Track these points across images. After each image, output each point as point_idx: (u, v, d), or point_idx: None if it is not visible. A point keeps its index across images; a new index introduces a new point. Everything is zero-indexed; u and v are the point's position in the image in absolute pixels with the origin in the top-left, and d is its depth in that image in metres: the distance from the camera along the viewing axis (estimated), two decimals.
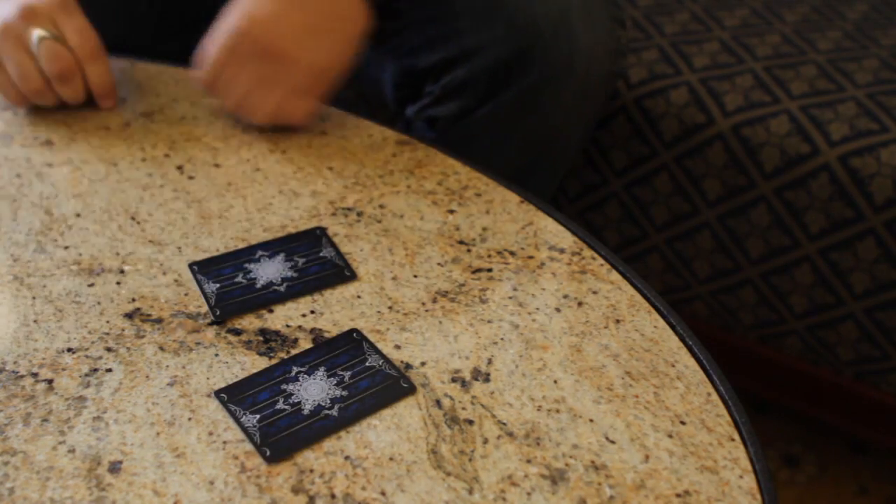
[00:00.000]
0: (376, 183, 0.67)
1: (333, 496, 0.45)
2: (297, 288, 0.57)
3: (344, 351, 0.53)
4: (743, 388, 1.14)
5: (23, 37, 0.70)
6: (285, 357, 0.53)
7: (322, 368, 0.52)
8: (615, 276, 0.60)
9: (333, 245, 0.60)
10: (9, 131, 0.71)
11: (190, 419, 0.49)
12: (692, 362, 0.54)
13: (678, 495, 0.46)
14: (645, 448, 0.48)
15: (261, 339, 0.54)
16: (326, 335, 0.54)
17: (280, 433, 0.48)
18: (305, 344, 0.54)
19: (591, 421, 0.50)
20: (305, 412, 0.50)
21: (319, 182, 0.67)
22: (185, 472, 0.46)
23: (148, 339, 0.54)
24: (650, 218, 1.08)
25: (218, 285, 0.57)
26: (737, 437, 0.49)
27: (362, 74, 0.92)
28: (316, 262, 0.59)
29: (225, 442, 0.48)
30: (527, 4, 0.79)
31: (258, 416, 0.49)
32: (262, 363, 0.52)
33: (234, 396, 0.50)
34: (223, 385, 0.51)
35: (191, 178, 0.67)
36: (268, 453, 0.47)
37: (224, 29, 0.70)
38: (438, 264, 0.60)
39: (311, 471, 0.46)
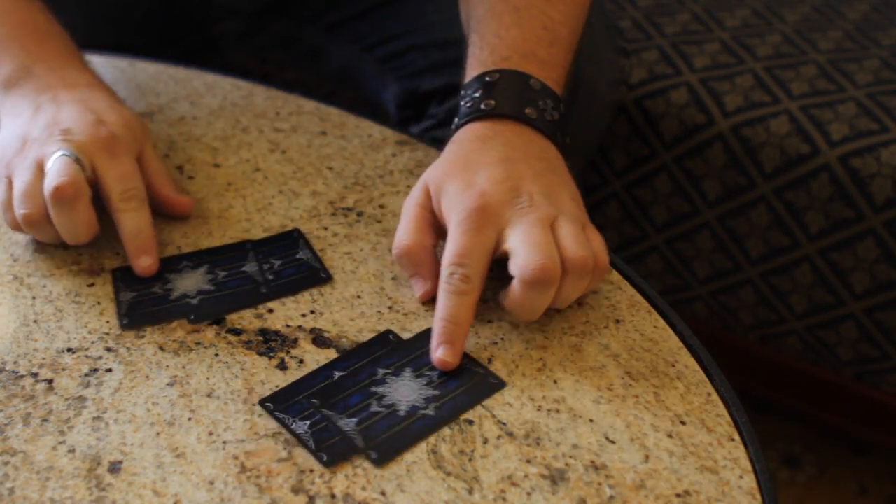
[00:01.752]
0: (376, 183, 0.67)
1: (333, 496, 0.45)
2: (211, 303, 0.56)
3: (384, 354, 0.53)
4: (743, 388, 1.14)
5: (41, 156, 0.58)
6: (325, 362, 0.52)
7: (366, 372, 0.52)
8: (615, 276, 0.60)
9: (258, 260, 0.59)
10: None
11: (190, 419, 0.49)
12: (692, 362, 0.54)
13: (678, 495, 0.46)
14: (645, 448, 0.48)
15: (261, 339, 0.54)
16: (326, 335, 0.54)
17: (333, 437, 0.48)
18: (306, 344, 0.54)
19: (591, 421, 0.50)
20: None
21: (319, 182, 0.67)
22: (185, 472, 0.46)
23: (148, 339, 0.54)
24: (650, 218, 1.08)
25: (134, 294, 0.56)
26: (737, 437, 0.49)
27: (364, 89, 0.92)
28: (237, 276, 0.57)
29: (225, 442, 0.48)
30: None
31: (308, 423, 0.49)
32: (262, 363, 0.52)
33: (280, 404, 0.50)
34: (221, 384, 0.51)
35: (191, 178, 0.67)
36: (325, 458, 0.47)
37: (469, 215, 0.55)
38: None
39: (312, 471, 0.46)
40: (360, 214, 0.64)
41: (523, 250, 0.52)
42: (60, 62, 0.65)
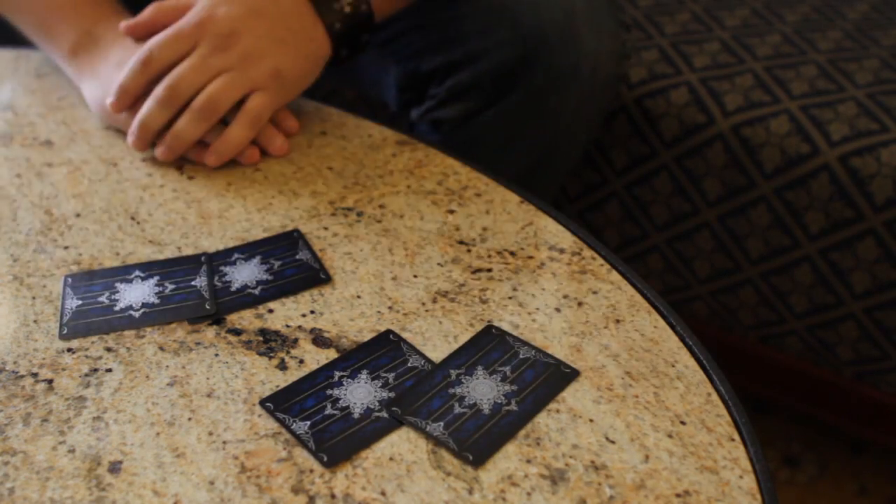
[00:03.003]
0: (376, 183, 0.67)
1: (333, 496, 0.45)
2: (153, 316, 0.55)
3: (384, 353, 0.53)
4: (743, 388, 1.14)
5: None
6: (325, 362, 0.52)
7: (365, 371, 0.52)
8: (615, 276, 0.60)
9: (214, 273, 0.58)
10: (9, 131, 0.71)
11: (190, 419, 0.49)
12: (692, 362, 0.54)
13: (678, 495, 0.46)
14: (645, 448, 0.48)
15: (261, 338, 0.54)
16: (326, 335, 0.54)
17: (334, 438, 0.48)
18: (305, 344, 0.54)
19: (591, 421, 0.50)
20: (356, 416, 0.49)
21: (319, 182, 0.67)
22: (185, 472, 0.46)
23: (148, 339, 0.54)
24: (650, 218, 1.08)
25: (80, 302, 0.56)
26: (737, 437, 0.49)
27: (364, 76, 0.92)
28: (184, 290, 0.57)
29: (225, 442, 0.48)
30: (532, 9, 0.79)
31: (309, 423, 0.49)
32: (262, 363, 0.52)
33: (280, 404, 0.50)
34: (221, 384, 0.51)
35: (191, 178, 0.67)
36: (325, 459, 0.47)
37: (179, 23, 0.66)
38: (438, 264, 0.60)
39: (312, 470, 0.46)
40: (360, 214, 0.64)
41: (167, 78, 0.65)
42: (116, 20, 0.71)
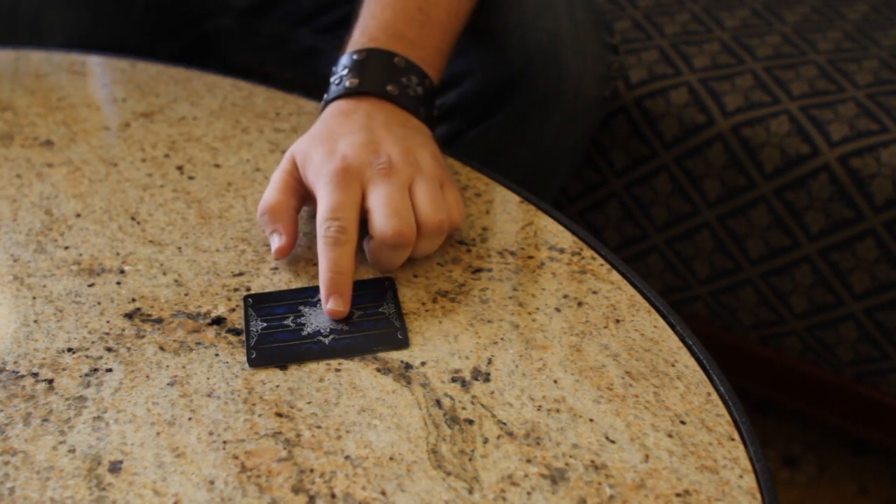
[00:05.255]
0: None
1: (333, 496, 0.45)
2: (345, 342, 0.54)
3: (368, 293, 0.56)
4: (743, 388, 1.14)
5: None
6: (315, 285, 0.56)
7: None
8: (615, 276, 0.60)
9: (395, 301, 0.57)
10: (9, 131, 0.71)
11: (190, 419, 0.49)
12: (692, 362, 0.54)
13: (678, 495, 0.46)
14: (645, 448, 0.48)
15: None
16: None
17: (273, 344, 0.52)
18: None
19: (591, 421, 0.50)
20: (303, 333, 0.53)
21: None
22: (186, 472, 0.46)
23: (148, 339, 0.54)
24: (650, 218, 1.08)
25: (265, 325, 0.54)
26: (737, 436, 0.49)
27: None
28: (373, 317, 0.55)
29: (225, 442, 0.48)
30: (517, 31, 0.80)
31: (265, 325, 0.53)
32: None
33: (258, 303, 0.54)
34: (221, 384, 0.51)
35: (191, 178, 0.67)
36: (253, 356, 0.52)
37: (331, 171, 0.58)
38: (438, 264, 0.60)
39: (312, 470, 0.46)
40: None
41: (381, 213, 0.56)
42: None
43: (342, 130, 0.61)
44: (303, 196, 0.60)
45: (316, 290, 0.57)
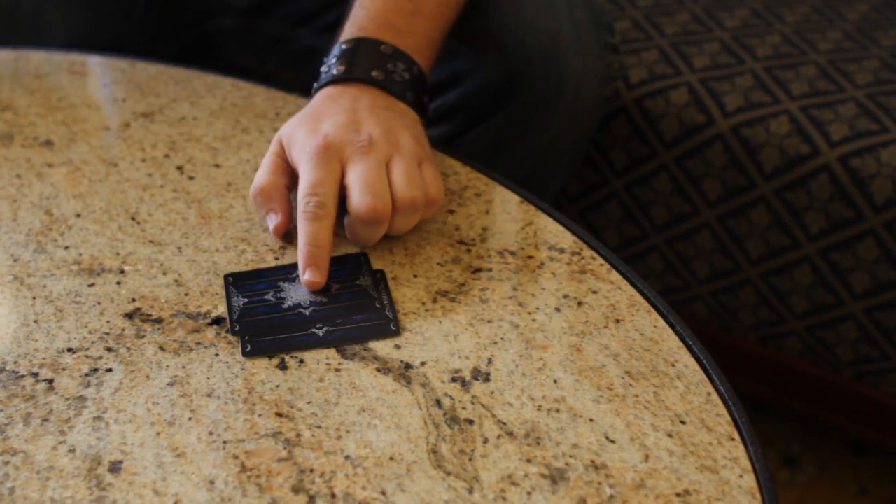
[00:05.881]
0: None
1: (333, 496, 0.45)
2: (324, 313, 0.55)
3: (346, 268, 0.58)
4: (743, 388, 1.14)
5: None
6: (292, 262, 0.58)
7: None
8: (615, 276, 0.60)
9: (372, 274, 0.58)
10: (9, 131, 0.71)
11: (190, 419, 0.49)
12: (692, 362, 0.54)
13: (678, 495, 0.46)
14: (645, 447, 0.48)
15: None
16: None
17: (254, 317, 0.54)
18: None
19: (591, 420, 0.50)
20: (283, 307, 0.55)
21: None
22: (186, 472, 0.46)
23: (148, 339, 0.54)
24: (650, 218, 1.08)
25: (246, 300, 0.56)
26: (737, 436, 0.49)
27: None
28: (351, 289, 0.57)
29: (225, 442, 0.48)
30: (517, 31, 0.80)
31: (246, 300, 0.55)
32: (262, 363, 0.52)
33: (239, 281, 0.57)
34: (221, 384, 0.51)
35: (191, 178, 0.67)
36: (237, 328, 0.54)
37: (310, 146, 0.60)
38: (438, 264, 0.60)
39: (312, 470, 0.46)
40: None
41: (358, 190, 0.58)
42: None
43: (327, 112, 0.62)
44: (292, 175, 0.62)
45: (294, 266, 0.58)
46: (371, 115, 0.62)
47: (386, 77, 0.65)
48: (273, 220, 0.60)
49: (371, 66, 0.65)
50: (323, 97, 0.65)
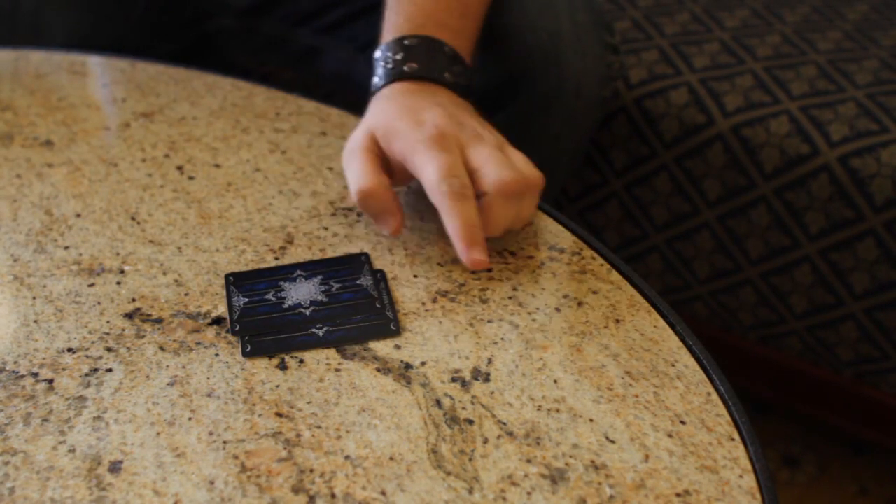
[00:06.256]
0: None
1: (333, 496, 0.45)
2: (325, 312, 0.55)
3: (347, 267, 0.58)
4: (743, 388, 1.14)
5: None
6: (293, 262, 0.58)
7: (320, 276, 0.57)
8: (615, 276, 0.60)
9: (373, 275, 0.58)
10: (9, 131, 0.71)
11: (190, 419, 0.49)
12: (692, 362, 0.54)
13: (678, 495, 0.46)
14: (645, 448, 0.48)
15: None
16: None
17: (255, 317, 0.54)
18: None
19: (591, 421, 0.50)
20: (284, 306, 0.55)
21: (319, 182, 0.67)
22: (186, 472, 0.46)
23: (148, 339, 0.54)
24: (650, 218, 1.08)
25: (247, 300, 0.56)
26: (737, 436, 0.49)
27: (359, 89, 0.93)
28: (351, 289, 0.57)
29: (225, 442, 0.48)
30: (518, 32, 0.80)
31: (247, 300, 0.55)
32: (262, 363, 0.52)
33: (239, 281, 0.57)
34: (221, 384, 0.51)
35: (191, 178, 0.67)
36: (237, 328, 0.54)
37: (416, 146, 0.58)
38: (438, 264, 0.60)
39: (312, 470, 0.46)
40: (360, 214, 0.64)
41: (492, 167, 0.57)
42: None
43: (419, 105, 0.61)
44: (388, 171, 0.60)
45: (294, 266, 0.58)
46: (462, 112, 0.62)
47: (455, 80, 0.65)
48: (391, 223, 0.59)
49: (442, 67, 0.64)
50: (402, 91, 0.63)
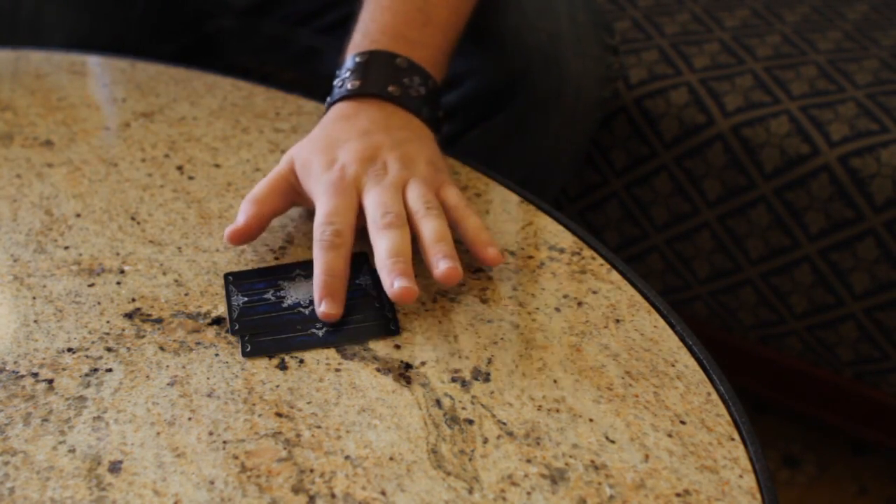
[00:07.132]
0: None
1: (333, 496, 0.45)
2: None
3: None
4: (743, 388, 1.14)
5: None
6: (292, 262, 0.59)
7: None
8: (615, 276, 0.60)
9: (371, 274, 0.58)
10: (9, 131, 0.71)
11: (190, 419, 0.49)
12: (692, 362, 0.54)
13: (678, 495, 0.46)
14: (645, 447, 0.48)
15: None
16: None
17: (255, 316, 0.55)
18: None
19: (591, 420, 0.50)
20: (283, 305, 0.55)
21: None
22: (186, 472, 0.46)
23: (148, 339, 0.54)
24: (650, 218, 1.08)
25: (246, 299, 0.56)
26: (737, 436, 0.49)
27: None
28: (350, 288, 0.56)
29: (225, 442, 0.48)
30: (517, 32, 0.80)
31: (246, 299, 0.56)
32: (262, 363, 0.52)
33: (238, 280, 0.57)
34: (221, 384, 0.51)
35: (191, 178, 0.67)
36: (237, 327, 0.54)
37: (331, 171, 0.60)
38: None
39: (312, 470, 0.46)
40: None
41: (370, 208, 0.58)
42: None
43: (342, 136, 0.62)
44: (293, 201, 0.62)
45: (294, 265, 0.59)
46: (387, 138, 0.61)
47: (402, 92, 0.64)
48: (237, 224, 0.59)
49: (387, 80, 0.64)
50: (338, 116, 0.64)
